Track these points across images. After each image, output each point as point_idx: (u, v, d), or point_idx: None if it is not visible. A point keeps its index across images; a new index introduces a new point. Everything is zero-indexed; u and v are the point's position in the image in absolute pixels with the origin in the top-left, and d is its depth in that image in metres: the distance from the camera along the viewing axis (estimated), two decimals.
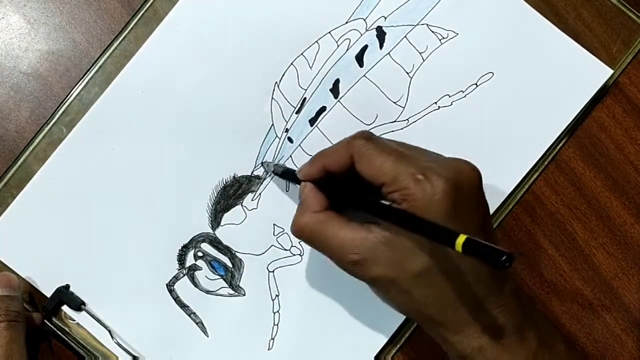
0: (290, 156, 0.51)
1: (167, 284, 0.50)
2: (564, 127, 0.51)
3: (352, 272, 0.41)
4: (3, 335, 0.44)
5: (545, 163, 0.52)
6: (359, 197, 0.41)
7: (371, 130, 0.51)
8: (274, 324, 0.50)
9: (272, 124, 0.51)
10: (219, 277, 0.50)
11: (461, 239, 0.33)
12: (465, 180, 0.39)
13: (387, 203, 0.40)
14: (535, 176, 0.51)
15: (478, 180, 0.40)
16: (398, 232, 0.39)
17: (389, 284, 0.40)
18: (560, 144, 0.52)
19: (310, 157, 0.46)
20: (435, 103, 0.51)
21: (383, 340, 0.50)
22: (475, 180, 0.40)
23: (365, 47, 0.51)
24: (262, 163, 0.50)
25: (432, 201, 0.38)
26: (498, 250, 0.32)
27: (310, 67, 0.51)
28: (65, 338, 0.49)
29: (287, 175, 0.47)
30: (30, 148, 0.50)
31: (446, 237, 0.34)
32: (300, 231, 0.42)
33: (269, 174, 0.50)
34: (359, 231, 0.40)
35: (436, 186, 0.38)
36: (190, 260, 0.50)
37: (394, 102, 0.51)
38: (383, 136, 0.51)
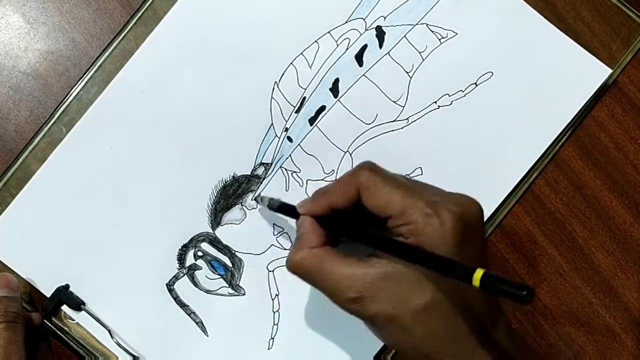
0: (290, 155, 0.51)
1: (167, 284, 0.50)
2: (564, 127, 0.51)
3: (350, 309, 0.40)
4: (2, 336, 0.44)
5: (545, 162, 0.52)
6: (364, 230, 0.40)
7: (372, 129, 0.51)
8: (274, 324, 0.50)
9: (272, 124, 0.51)
10: (219, 276, 0.50)
11: (479, 273, 0.33)
12: (470, 215, 0.39)
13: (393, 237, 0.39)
14: (534, 175, 0.51)
15: (481, 215, 0.40)
16: (399, 266, 0.38)
17: (388, 322, 0.39)
18: (560, 143, 0.52)
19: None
20: (435, 102, 0.51)
21: None
22: (478, 215, 0.40)
23: (365, 46, 0.51)
24: (255, 198, 0.50)
25: (441, 236, 0.37)
26: (519, 284, 0.32)
27: (310, 67, 0.51)
28: (65, 338, 0.49)
29: (284, 210, 0.46)
30: (30, 148, 0.50)
31: (462, 272, 0.34)
32: (295, 267, 0.41)
33: (263, 206, 0.49)
34: (358, 267, 0.39)
35: (445, 221, 0.37)
36: (190, 259, 0.50)
37: (394, 102, 0.51)
38: (382, 136, 0.51)
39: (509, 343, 0.40)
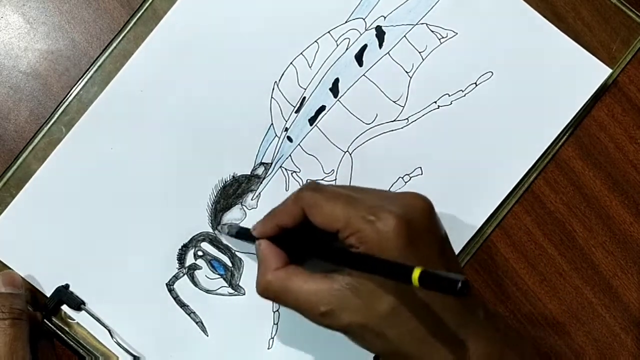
0: (290, 155, 0.51)
1: (167, 284, 0.50)
2: (564, 126, 0.51)
3: (323, 323, 0.40)
4: (7, 332, 0.44)
5: (545, 162, 0.52)
6: (316, 246, 0.41)
7: (372, 129, 0.51)
8: (274, 323, 0.50)
9: (272, 123, 0.51)
10: (219, 276, 0.50)
11: (416, 272, 0.34)
12: (415, 213, 0.40)
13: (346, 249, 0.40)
14: (534, 175, 0.51)
15: (429, 211, 0.41)
16: (360, 276, 0.39)
17: (362, 330, 0.39)
18: (560, 143, 0.52)
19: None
20: (435, 102, 0.51)
21: None
22: (425, 210, 0.40)
23: (365, 46, 0.51)
24: (217, 227, 0.50)
25: (386, 239, 0.38)
26: (452, 279, 0.32)
27: (310, 67, 0.51)
28: (65, 338, 0.49)
29: (242, 235, 0.47)
30: (30, 148, 0.50)
31: (403, 273, 0.34)
32: (265, 291, 0.42)
33: (224, 234, 0.50)
34: (323, 282, 0.40)
35: (388, 224, 0.38)
36: (190, 259, 0.50)
37: (394, 102, 0.51)
38: (382, 136, 0.51)
39: (491, 338, 0.40)
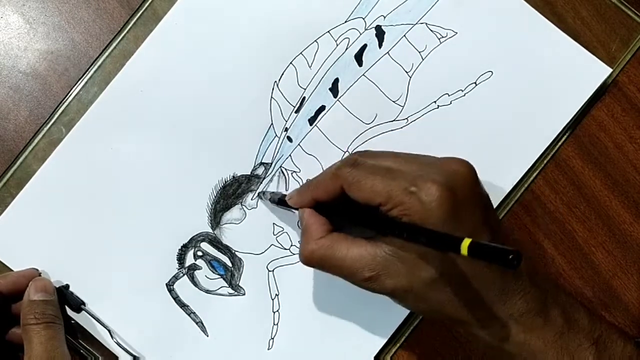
0: (290, 155, 0.51)
1: (166, 284, 0.50)
2: (563, 126, 0.51)
3: (369, 287, 0.41)
4: (42, 334, 0.45)
5: (545, 162, 0.52)
6: (359, 216, 0.41)
7: (371, 129, 0.51)
8: (274, 324, 0.50)
9: (272, 123, 0.51)
10: (219, 276, 0.50)
11: (466, 243, 0.33)
12: (458, 180, 0.39)
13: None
14: (534, 175, 0.51)
15: (472, 177, 0.41)
16: (404, 244, 0.39)
17: (406, 293, 0.40)
18: (560, 143, 0.52)
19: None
20: (435, 102, 0.51)
21: (383, 339, 0.50)
22: (468, 177, 0.40)
23: (365, 46, 0.51)
24: (258, 194, 0.50)
25: (430, 209, 0.38)
26: (504, 250, 0.32)
27: (310, 67, 0.51)
28: (66, 338, 0.49)
29: (283, 202, 0.47)
30: (30, 148, 0.50)
31: (451, 243, 0.34)
32: (309, 259, 0.43)
33: (266, 200, 0.50)
34: (367, 248, 0.40)
35: (430, 194, 0.38)
36: (189, 259, 0.50)
37: (393, 101, 0.51)
38: (382, 135, 0.51)
39: (535, 295, 0.41)
